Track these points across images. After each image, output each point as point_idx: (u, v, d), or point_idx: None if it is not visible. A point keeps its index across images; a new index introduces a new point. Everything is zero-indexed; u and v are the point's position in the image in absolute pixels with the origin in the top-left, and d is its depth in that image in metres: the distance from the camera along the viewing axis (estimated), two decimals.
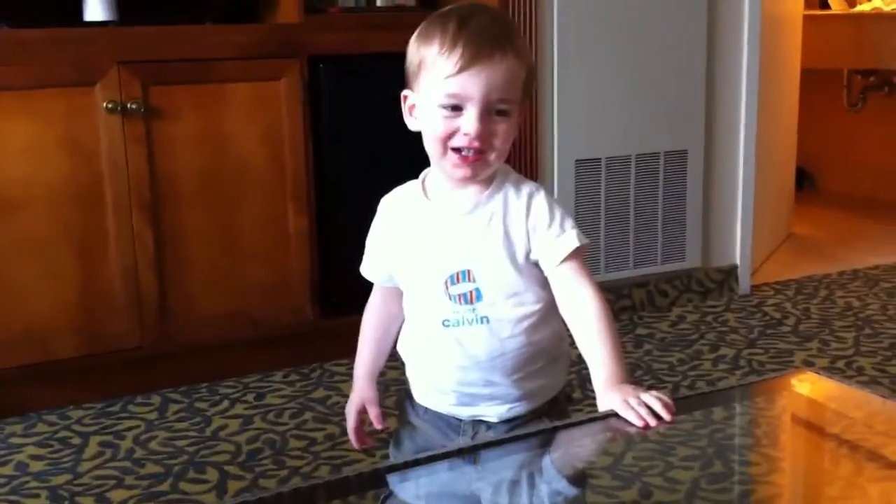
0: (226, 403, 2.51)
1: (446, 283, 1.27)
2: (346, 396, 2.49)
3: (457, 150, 1.24)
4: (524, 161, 2.94)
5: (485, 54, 1.20)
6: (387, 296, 1.41)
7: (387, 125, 2.72)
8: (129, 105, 2.41)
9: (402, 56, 1.30)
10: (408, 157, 2.75)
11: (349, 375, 2.65)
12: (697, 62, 3.19)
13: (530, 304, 1.28)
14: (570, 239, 1.26)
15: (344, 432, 2.29)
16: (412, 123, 1.31)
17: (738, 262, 3.40)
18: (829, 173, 5.14)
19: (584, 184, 3.08)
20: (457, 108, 1.23)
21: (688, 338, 2.96)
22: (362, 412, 1.46)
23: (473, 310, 1.27)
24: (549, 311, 1.30)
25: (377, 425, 1.43)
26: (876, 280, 3.53)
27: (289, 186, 2.65)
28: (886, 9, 4.55)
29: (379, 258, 1.38)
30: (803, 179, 4.94)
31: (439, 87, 1.23)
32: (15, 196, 2.36)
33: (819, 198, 5.01)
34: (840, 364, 2.71)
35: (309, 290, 2.71)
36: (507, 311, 1.27)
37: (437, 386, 1.33)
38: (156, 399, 2.53)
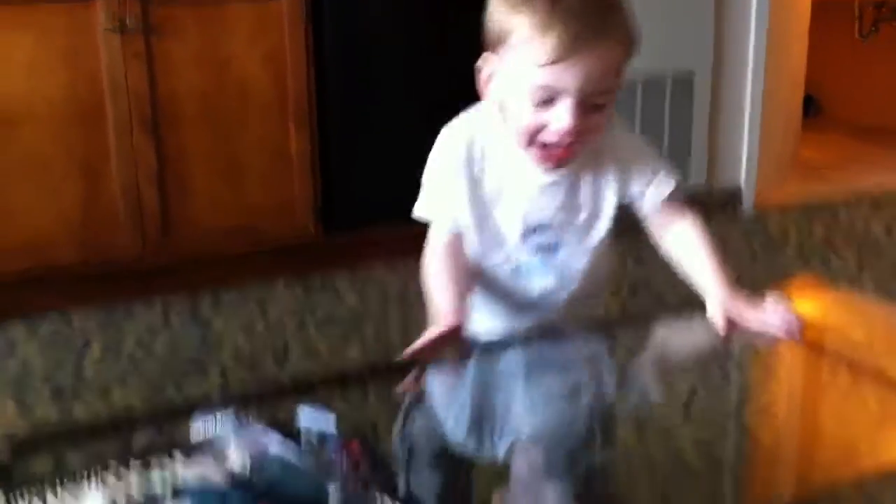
0: (228, 311, 2.52)
1: (524, 233, 1.21)
2: (348, 307, 2.54)
3: (543, 144, 1.12)
4: None
5: (584, 42, 1.04)
6: (456, 245, 1.22)
7: (389, 45, 2.72)
8: (127, 22, 2.38)
9: None
10: (410, 78, 2.75)
11: (351, 287, 2.68)
12: None
13: (598, 248, 1.25)
14: (669, 179, 1.24)
15: (347, 341, 2.33)
16: (487, 95, 1.15)
17: (742, 184, 3.39)
18: (837, 100, 5.10)
19: None
20: (547, 101, 1.08)
21: None
22: (448, 336, 1.13)
23: (548, 260, 1.22)
24: (609, 248, 1.28)
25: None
26: (880, 204, 3.52)
27: (290, 107, 2.62)
28: None
29: (451, 200, 1.21)
30: (810, 105, 4.90)
31: (528, 75, 1.07)
32: (16, 111, 2.35)
33: (825, 124, 4.97)
34: (842, 284, 2.72)
35: (311, 210, 2.71)
36: (580, 261, 1.24)
37: (490, 317, 1.28)
38: (158, 305, 2.55)
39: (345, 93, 2.71)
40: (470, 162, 1.20)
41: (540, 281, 1.24)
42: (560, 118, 1.08)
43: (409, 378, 1.13)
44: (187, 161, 2.55)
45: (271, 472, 0.82)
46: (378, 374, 1.21)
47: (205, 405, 0.91)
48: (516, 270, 1.24)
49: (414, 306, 2.47)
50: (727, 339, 1.27)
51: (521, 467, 1.16)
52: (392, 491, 0.79)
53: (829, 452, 1.71)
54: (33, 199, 2.41)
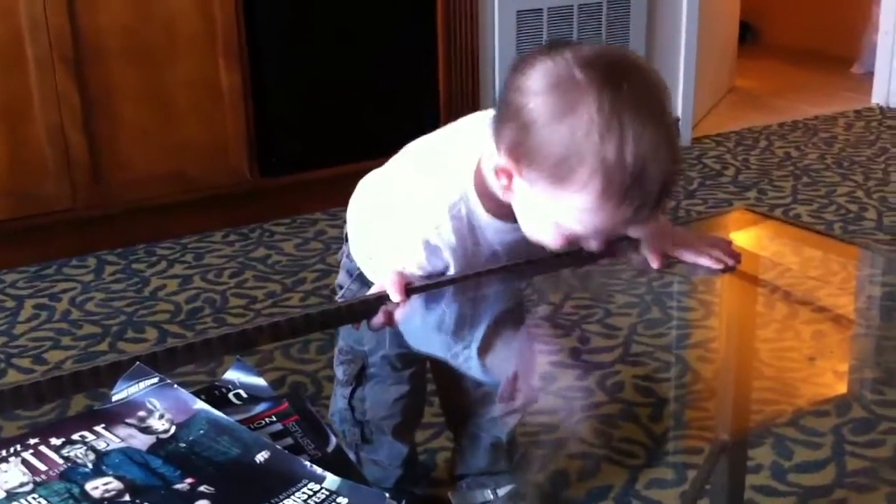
0: (164, 264, 2.47)
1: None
2: (287, 255, 2.50)
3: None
4: (463, 13, 2.86)
5: (652, 215, 0.98)
6: None
7: None
8: None
9: None
10: (346, 9, 2.68)
11: (289, 235, 2.64)
12: None
13: None
14: None
15: (286, 289, 2.29)
16: (507, 195, 1.03)
17: (679, 114, 3.38)
18: (773, 26, 5.10)
19: (525, 35, 3.01)
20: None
21: None
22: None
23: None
24: None
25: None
26: (815, 130, 3.55)
27: (219, 41, 2.55)
28: None
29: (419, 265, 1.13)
30: (746, 32, 4.90)
31: (571, 215, 0.97)
32: None
33: (762, 51, 4.98)
34: (778, 212, 2.74)
35: (245, 150, 2.65)
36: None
37: None
38: (91, 261, 2.49)
39: (277, 26, 2.63)
40: (436, 252, 1.10)
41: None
42: (591, 244, 1.01)
43: (380, 313, 1.06)
44: (114, 100, 2.47)
45: (196, 435, 0.80)
46: (314, 327, 1.19)
47: (132, 368, 0.88)
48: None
49: None
50: (660, 272, 1.25)
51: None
52: (321, 456, 0.77)
53: (765, 384, 1.73)
54: None
